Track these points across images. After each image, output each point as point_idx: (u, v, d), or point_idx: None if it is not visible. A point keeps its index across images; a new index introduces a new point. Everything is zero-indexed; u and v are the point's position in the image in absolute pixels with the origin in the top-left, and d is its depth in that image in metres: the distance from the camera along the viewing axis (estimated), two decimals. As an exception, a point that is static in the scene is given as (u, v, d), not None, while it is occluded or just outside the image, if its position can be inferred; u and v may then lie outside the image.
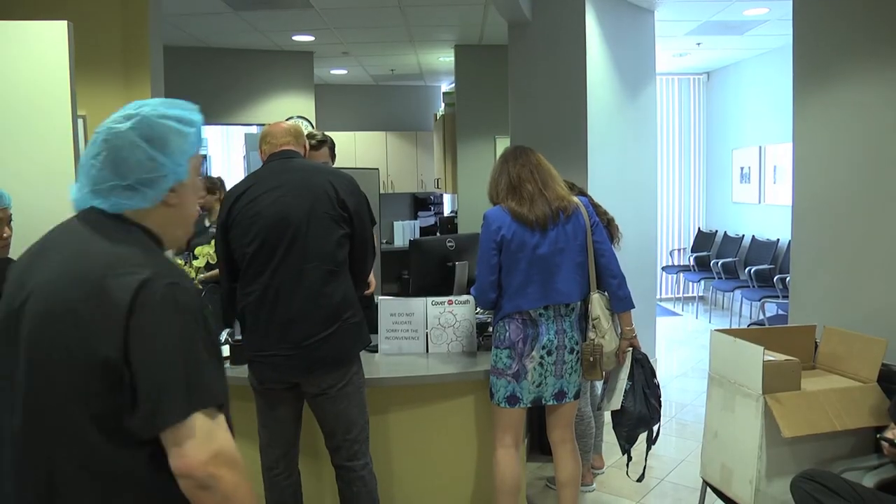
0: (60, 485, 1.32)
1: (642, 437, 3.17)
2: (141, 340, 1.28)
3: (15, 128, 2.78)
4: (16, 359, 1.32)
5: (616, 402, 3.14)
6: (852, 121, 3.51)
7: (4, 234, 2.44)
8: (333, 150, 3.83)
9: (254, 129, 8.94)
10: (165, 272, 1.34)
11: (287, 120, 3.05)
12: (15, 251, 2.54)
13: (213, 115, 7.84)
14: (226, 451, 1.32)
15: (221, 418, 1.35)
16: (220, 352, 1.42)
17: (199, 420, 1.29)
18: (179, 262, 3.45)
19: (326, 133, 3.86)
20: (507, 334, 2.98)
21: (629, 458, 3.21)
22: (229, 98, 7.77)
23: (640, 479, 3.32)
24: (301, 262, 2.71)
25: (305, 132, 3.08)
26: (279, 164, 2.85)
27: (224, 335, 3.80)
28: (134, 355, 1.28)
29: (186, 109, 1.48)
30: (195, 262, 3.44)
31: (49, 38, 2.79)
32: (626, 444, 3.15)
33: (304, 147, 2.99)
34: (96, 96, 3.28)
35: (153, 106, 1.45)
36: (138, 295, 1.29)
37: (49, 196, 2.81)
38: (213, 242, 3.01)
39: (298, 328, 2.71)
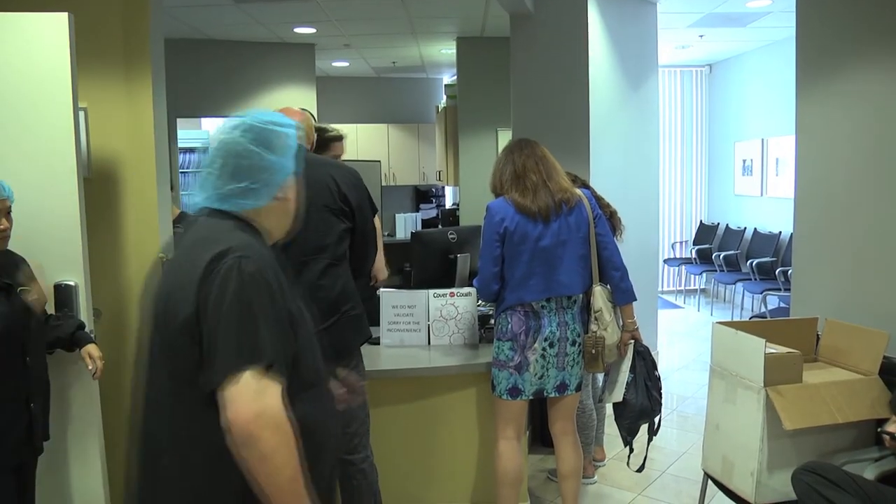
0: (153, 441, 1.53)
1: (643, 429, 3.18)
2: (207, 301, 1.46)
3: (16, 121, 2.77)
4: (151, 322, 1.58)
5: (618, 395, 3.14)
6: (856, 113, 3.50)
7: (2, 226, 2.44)
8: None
9: (255, 122, 8.93)
10: (241, 248, 1.52)
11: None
12: (14, 243, 2.53)
13: (215, 107, 7.83)
14: (269, 413, 1.41)
15: (271, 381, 1.43)
16: (283, 321, 1.53)
17: (247, 378, 1.41)
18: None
19: (332, 126, 3.87)
20: (510, 326, 2.98)
21: (631, 450, 3.21)
22: (230, 90, 7.75)
23: (639, 470, 3.32)
24: (300, 255, 2.72)
25: (315, 126, 3.08)
26: None
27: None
28: (202, 315, 1.46)
29: (279, 116, 1.71)
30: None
31: (50, 30, 2.78)
32: (627, 437, 3.16)
33: (311, 140, 2.98)
34: (97, 88, 3.27)
35: (253, 116, 1.67)
36: (211, 263, 1.48)
37: (51, 188, 2.82)
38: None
39: None
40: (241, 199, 1.61)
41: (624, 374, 3.14)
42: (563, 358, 3.01)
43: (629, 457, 3.28)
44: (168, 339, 1.52)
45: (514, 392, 3.01)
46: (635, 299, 3.14)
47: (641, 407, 3.11)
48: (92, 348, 2.69)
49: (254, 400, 1.40)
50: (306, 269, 2.71)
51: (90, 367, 2.67)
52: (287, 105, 3.13)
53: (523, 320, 2.97)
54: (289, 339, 1.54)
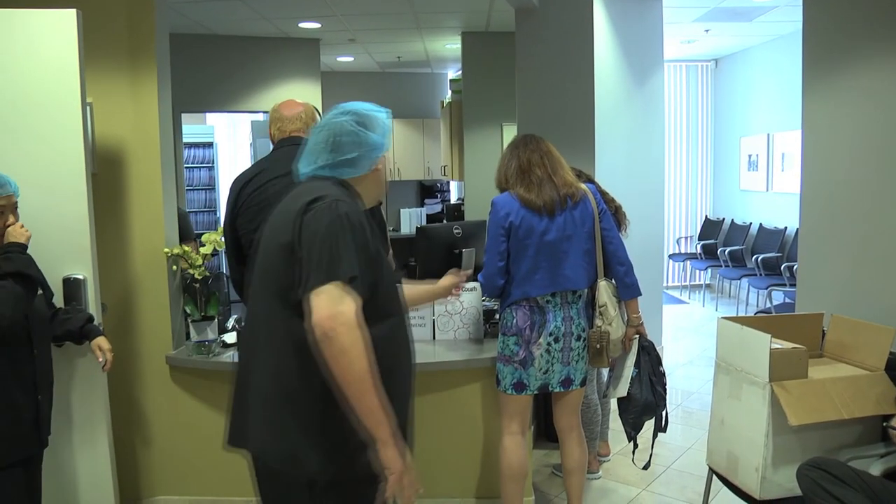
0: (252, 343, 1.93)
1: (649, 424, 3.18)
2: (303, 230, 1.80)
3: (25, 117, 2.79)
4: (254, 266, 1.98)
5: (622, 390, 3.14)
6: (863, 107, 3.48)
7: (9, 222, 2.45)
8: None
9: (260, 117, 8.93)
10: (337, 196, 1.88)
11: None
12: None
13: (220, 102, 7.84)
14: (346, 314, 1.72)
15: (350, 293, 1.75)
16: (366, 251, 1.85)
17: (330, 288, 1.74)
18: (187, 248, 3.47)
19: None
20: (515, 321, 2.98)
21: (635, 446, 3.21)
22: (235, 85, 7.75)
23: (645, 467, 3.32)
24: None
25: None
26: (287, 151, 2.85)
27: (231, 321, 3.82)
28: (299, 241, 1.80)
29: (374, 105, 2.06)
30: (202, 249, 3.44)
31: (58, 27, 2.79)
32: (632, 432, 3.16)
33: (311, 121, 3.00)
34: (102, 83, 3.28)
35: (356, 105, 2.03)
36: (310, 203, 1.84)
37: (59, 183, 2.83)
38: (220, 229, 3.03)
39: None
40: (345, 168, 1.98)
41: (628, 370, 3.14)
42: (567, 353, 3.01)
43: (634, 452, 3.28)
44: (269, 262, 1.90)
45: (520, 387, 3.02)
46: (640, 294, 3.13)
47: (646, 402, 3.11)
48: (102, 341, 2.72)
49: (334, 304, 1.72)
50: None
51: (100, 360, 2.70)
52: (291, 98, 3.14)
53: (528, 315, 2.97)
54: (370, 267, 1.85)
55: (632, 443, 3.20)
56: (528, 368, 2.99)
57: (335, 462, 1.84)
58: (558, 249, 2.96)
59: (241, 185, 2.85)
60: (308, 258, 1.77)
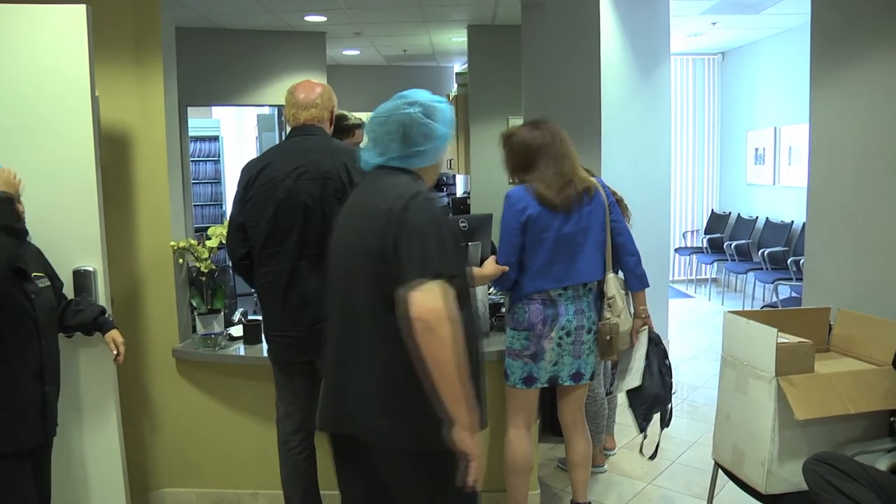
0: (352, 335, 2.03)
1: (655, 417, 3.18)
2: (404, 230, 1.92)
3: (36, 111, 2.80)
4: (343, 259, 2.08)
5: (635, 380, 3.13)
6: (871, 101, 3.46)
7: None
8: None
9: (266, 110, 8.93)
10: (425, 193, 2.04)
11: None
12: (33, 229, 2.53)
13: (226, 95, 7.83)
14: (450, 309, 1.85)
15: (448, 288, 1.88)
16: (456, 245, 2.03)
17: (429, 284, 1.85)
18: (193, 241, 3.47)
19: (353, 114, 3.91)
20: (527, 316, 2.96)
21: (644, 437, 3.21)
22: (241, 79, 7.74)
23: (652, 457, 3.32)
24: (313, 248, 2.73)
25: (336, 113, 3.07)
26: (299, 142, 2.84)
27: (237, 314, 3.83)
28: (399, 240, 1.91)
29: (437, 96, 2.17)
30: (208, 243, 3.45)
31: (68, 22, 2.80)
32: (643, 423, 3.16)
33: (332, 111, 2.95)
34: (109, 77, 3.28)
35: (418, 94, 2.12)
36: (408, 201, 1.95)
37: (69, 176, 2.84)
38: (226, 223, 3.03)
39: (310, 311, 2.74)
40: (415, 159, 2.08)
41: (639, 361, 3.13)
42: (579, 346, 3.00)
43: (642, 444, 3.28)
44: (364, 259, 1.98)
45: (529, 380, 3.01)
46: (648, 285, 3.13)
47: (656, 393, 3.11)
48: (115, 334, 2.75)
49: (438, 299, 1.84)
50: (319, 262, 2.72)
51: (114, 352, 2.71)
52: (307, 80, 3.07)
53: (541, 310, 2.95)
54: (458, 261, 2.02)
55: (641, 435, 3.20)
56: (538, 362, 2.98)
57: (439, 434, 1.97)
58: (574, 242, 2.94)
59: (255, 173, 2.83)
60: (409, 255, 1.90)
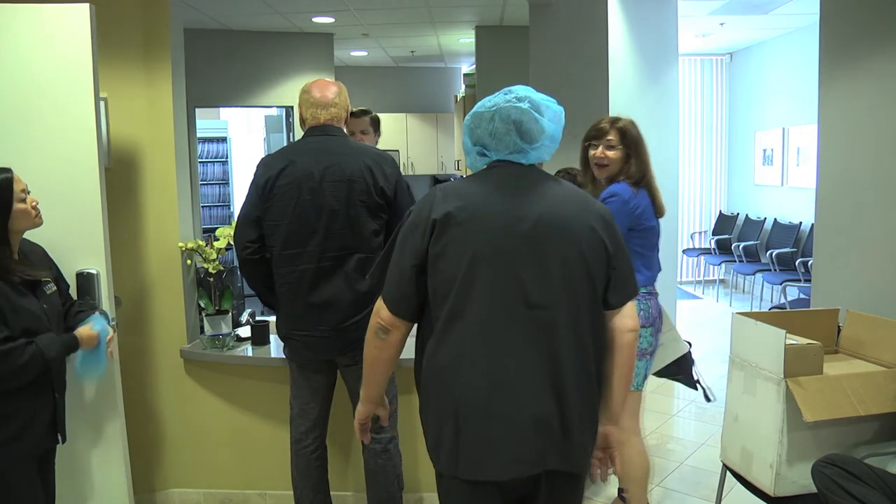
0: (555, 352, 1.84)
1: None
2: (615, 240, 1.93)
3: (39, 112, 2.79)
4: (543, 259, 1.86)
5: (682, 346, 3.17)
6: (880, 101, 3.45)
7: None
8: (378, 124, 3.92)
9: (274, 111, 8.95)
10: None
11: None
12: (36, 231, 2.52)
13: (234, 97, 7.85)
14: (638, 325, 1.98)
15: None
16: None
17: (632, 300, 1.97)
18: (201, 242, 3.48)
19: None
20: (651, 311, 2.96)
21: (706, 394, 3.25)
22: (249, 80, 7.77)
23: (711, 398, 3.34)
24: (336, 250, 2.74)
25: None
26: (320, 142, 2.83)
27: (245, 315, 3.83)
28: (616, 251, 1.92)
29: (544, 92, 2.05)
30: (216, 244, 3.46)
31: (72, 22, 2.80)
32: (702, 384, 3.21)
33: (348, 110, 2.95)
34: (117, 78, 3.29)
35: (526, 90, 1.98)
36: (605, 210, 1.97)
37: (72, 178, 2.84)
38: (233, 224, 3.02)
39: (333, 312, 2.77)
40: (540, 154, 1.98)
41: (672, 331, 3.15)
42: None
43: (707, 395, 3.29)
44: (583, 264, 1.88)
45: (644, 380, 2.99)
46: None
47: (687, 352, 3.16)
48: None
49: (636, 313, 1.98)
50: (341, 263, 2.76)
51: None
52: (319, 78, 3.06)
53: (657, 304, 2.98)
54: None
55: (700, 390, 3.20)
56: (651, 359, 2.97)
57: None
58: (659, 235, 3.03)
59: (272, 175, 2.79)
60: (624, 264, 1.95)
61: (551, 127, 1.96)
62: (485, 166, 2.01)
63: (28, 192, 2.42)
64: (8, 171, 2.36)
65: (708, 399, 3.35)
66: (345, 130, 2.90)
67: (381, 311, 1.94)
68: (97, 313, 2.66)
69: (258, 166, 2.88)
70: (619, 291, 1.93)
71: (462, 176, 10.30)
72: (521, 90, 1.97)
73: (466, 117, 2.02)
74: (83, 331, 2.54)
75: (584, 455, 1.92)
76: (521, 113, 1.92)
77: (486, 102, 1.98)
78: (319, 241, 2.75)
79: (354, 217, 2.74)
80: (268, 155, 2.97)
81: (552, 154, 2.01)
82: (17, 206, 2.35)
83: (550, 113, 1.96)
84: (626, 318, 1.94)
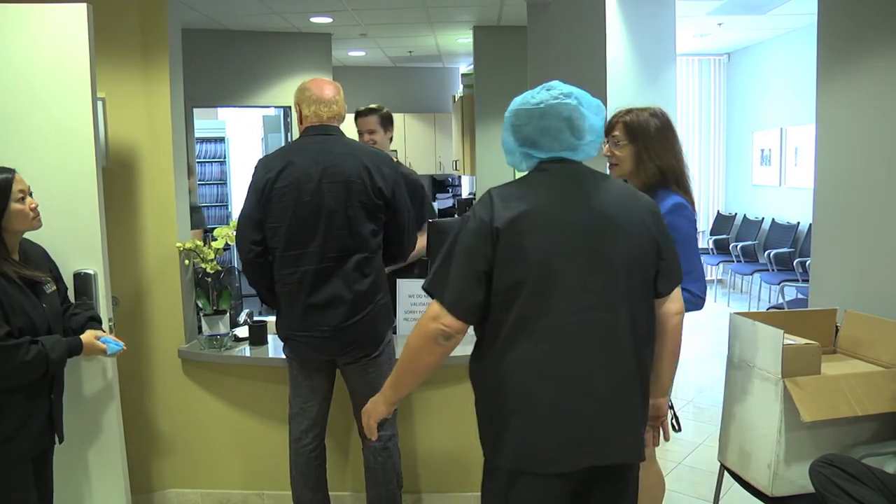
0: (621, 347, 1.91)
1: None
2: (665, 233, 2.02)
3: (35, 111, 2.79)
4: (606, 259, 1.91)
5: None
6: (879, 101, 3.45)
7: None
8: (388, 121, 3.95)
9: (272, 111, 8.95)
10: None
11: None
12: (34, 231, 2.53)
13: (232, 97, 7.86)
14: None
15: None
16: None
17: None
18: (198, 242, 3.48)
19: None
20: None
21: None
22: (247, 80, 7.77)
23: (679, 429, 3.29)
24: (336, 251, 2.74)
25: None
26: (319, 142, 2.83)
27: (243, 315, 3.83)
28: (665, 243, 2.00)
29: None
30: (214, 244, 3.45)
31: (69, 21, 2.79)
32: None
33: (345, 109, 2.94)
34: (115, 78, 3.29)
35: (567, 86, 1.96)
36: (656, 206, 2.04)
37: (70, 178, 2.83)
38: (231, 224, 3.02)
39: (333, 312, 2.77)
40: (588, 151, 1.98)
41: None
42: None
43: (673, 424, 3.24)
44: (640, 261, 1.95)
45: None
46: None
47: None
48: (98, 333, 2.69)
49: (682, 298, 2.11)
50: (341, 264, 2.77)
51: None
52: (317, 77, 3.06)
53: None
54: None
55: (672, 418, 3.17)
56: None
57: None
58: None
59: (271, 176, 2.78)
60: (671, 253, 2.02)
61: (596, 121, 1.97)
62: (528, 166, 2.02)
63: (29, 194, 2.42)
64: (10, 171, 2.37)
65: (675, 429, 3.35)
66: (341, 128, 2.91)
67: (442, 317, 1.89)
68: (112, 338, 2.64)
69: (256, 167, 2.88)
70: (667, 280, 2.02)
71: (461, 176, 10.31)
72: (562, 86, 1.96)
73: (508, 115, 1.99)
74: (89, 338, 2.54)
75: (643, 446, 2.00)
76: (571, 109, 1.92)
77: (530, 99, 1.95)
78: (320, 243, 2.75)
79: (353, 218, 2.74)
80: (266, 155, 2.97)
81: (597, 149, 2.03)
82: (15, 206, 2.35)
83: (594, 107, 1.98)
84: (674, 301, 2.06)
